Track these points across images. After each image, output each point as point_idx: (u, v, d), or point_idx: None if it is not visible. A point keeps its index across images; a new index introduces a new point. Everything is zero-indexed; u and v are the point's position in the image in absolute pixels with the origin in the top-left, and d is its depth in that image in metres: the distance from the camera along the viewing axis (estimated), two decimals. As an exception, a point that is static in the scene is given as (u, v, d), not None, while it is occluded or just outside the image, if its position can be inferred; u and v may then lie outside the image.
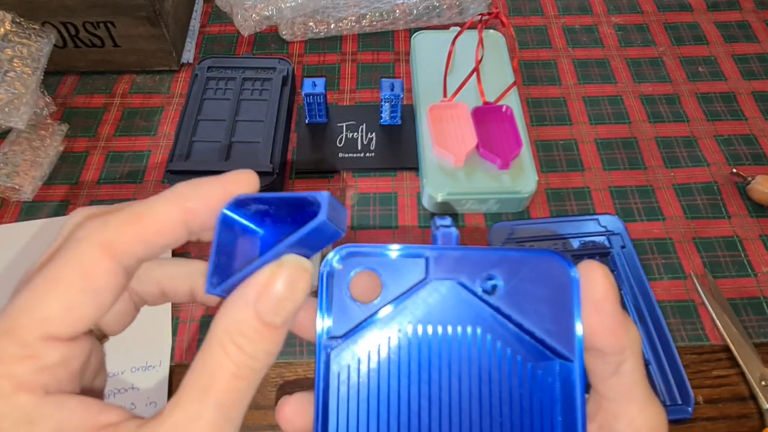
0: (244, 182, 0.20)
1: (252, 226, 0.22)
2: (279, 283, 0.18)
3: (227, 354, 0.17)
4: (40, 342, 0.17)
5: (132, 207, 0.18)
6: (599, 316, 0.20)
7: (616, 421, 0.21)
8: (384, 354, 0.21)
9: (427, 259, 0.21)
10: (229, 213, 0.20)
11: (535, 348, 0.21)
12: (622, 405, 0.20)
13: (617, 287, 0.21)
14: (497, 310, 0.21)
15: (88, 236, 0.17)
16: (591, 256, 0.48)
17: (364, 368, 0.21)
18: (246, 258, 0.21)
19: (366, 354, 0.21)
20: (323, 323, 0.21)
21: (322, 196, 0.19)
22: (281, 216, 0.21)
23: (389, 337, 0.21)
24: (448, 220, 0.23)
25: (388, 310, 0.21)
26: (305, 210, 0.20)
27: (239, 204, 0.20)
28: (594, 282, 0.20)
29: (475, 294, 0.21)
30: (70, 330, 0.17)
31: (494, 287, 0.21)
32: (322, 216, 0.19)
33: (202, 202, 0.19)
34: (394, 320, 0.21)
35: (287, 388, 0.44)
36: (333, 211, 0.19)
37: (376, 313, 0.21)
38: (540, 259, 0.21)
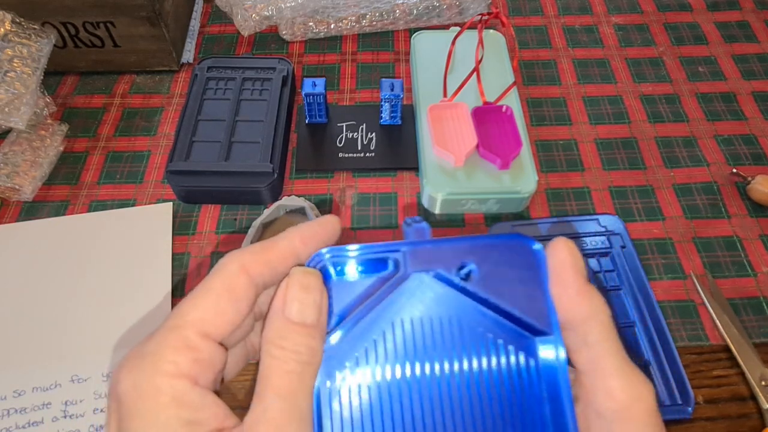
0: (332, 226, 0.24)
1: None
2: (293, 288, 0.21)
3: (273, 356, 0.20)
4: (198, 338, 0.20)
5: (263, 242, 0.23)
6: (561, 286, 0.21)
7: (594, 395, 0.21)
8: (372, 351, 0.21)
9: (404, 254, 0.22)
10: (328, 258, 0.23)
11: (515, 330, 0.21)
12: (598, 378, 0.21)
13: (581, 259, 0.21)
14: (475, 295, 0.22)
15: (231, 260, 0.23)
16: (591, 256, 0.48)
17: (354, 366, 0.21)
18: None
19: (354, 357, 0.21)
20: None
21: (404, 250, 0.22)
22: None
23: (375, 338, 0.21)
24: (418, 218, 0.24)
25: (371, 309, 0.22)
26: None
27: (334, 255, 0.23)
28: (556, 255, 0.21)
29: (452, 283, 0.22)
30: (220, 330, 0.21)
31: (469, 274, 0.22)
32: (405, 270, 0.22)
33: (309, 239, 0.24)
34: (379, 318, 0.21)
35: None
36: (414, 259, 0.22)
37: (359, 313, 0.22)
38: (508, 242, 0.22)
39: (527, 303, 0.21)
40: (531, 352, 0.21)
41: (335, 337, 0.21)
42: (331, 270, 0.22)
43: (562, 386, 0.21)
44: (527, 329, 0.21)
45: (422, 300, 0.22)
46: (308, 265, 0.22)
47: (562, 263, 0.21)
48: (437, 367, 0.21)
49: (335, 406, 0.21)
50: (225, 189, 0.51)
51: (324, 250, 0.22)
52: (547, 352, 0.21)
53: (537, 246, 0.22)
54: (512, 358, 0.21)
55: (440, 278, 0.22)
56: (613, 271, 0.47)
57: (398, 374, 0.21)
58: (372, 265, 0.22)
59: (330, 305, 0.22)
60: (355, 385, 0.21)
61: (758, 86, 0.62)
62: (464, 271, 0.22)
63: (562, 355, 0.21)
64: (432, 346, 0.21)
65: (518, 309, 0.21)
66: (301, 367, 0.20)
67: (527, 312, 0.21)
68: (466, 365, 0.21)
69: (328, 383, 0.21)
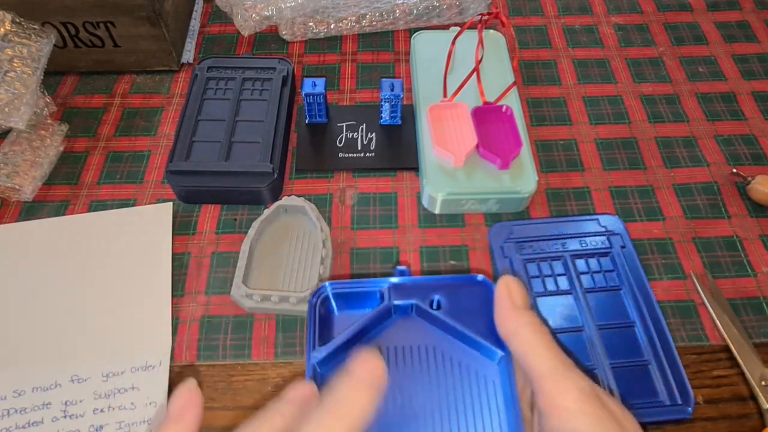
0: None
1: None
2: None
3: None
4: None
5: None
6: (496, 313, 0.27)
7: (538, 400, 0.25)
8: None
9: (388, 289, 0.28)
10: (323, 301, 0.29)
11: (475, 352, 0.28)
12: (535, 382, 0.25)
13: (518, 290, 0.27)
14: (443, 322, 0.28)
15: None
16: (591, 256, 0.48)
17: None
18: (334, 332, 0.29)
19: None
20: (313, 347, 0.27)
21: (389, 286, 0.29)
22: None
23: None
24: (402, 267, 0.31)
25: (362, 333, 0.27)
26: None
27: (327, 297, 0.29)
28: (496, 290, 0.27)
29: (427, 310, 0.28)
30: None
31: (439, 304, 0.29)
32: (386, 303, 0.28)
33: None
34: (369, 342, 0.27)
35: (287, 388, 0.44)
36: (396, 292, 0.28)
37: (353, 334, 0.27)
38: (470, 282, 0.29)
39: (485, 330, 0.27)
40: (490, 369, 0.27)
41: (331, 354, 0.26)
42: (332, 298, 0.29)
43: (509, 395, 0.26)
44: (485, 351, 0.27)
45: (403, 331, 0.28)
46: (314, 295, 0.29)
47: (499, 296, 0.27)
48: (414, 382, 0.26)
49: None
50: (225, 189, 0.51)
51: (327, 284, 0.29)
52: (502, 368, 0.27)
53: (480, 278, 0.29)
54: (473, 375, 0.27)
55: (416, 309, 0.28)
56: (613, 271, 0.47)
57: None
58: (364, 297, 0.29)
59: (331, 328, 0.28)
60: None
61: (758, 86, 0.62)
62: (435, 302, 0.29)
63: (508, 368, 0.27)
64: (410, 366, 0.27)
65: (478, 334, 0.27)
66: None
67: (485, 337, 0.27)
68: (439, 380, 0.27)
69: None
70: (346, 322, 0.28)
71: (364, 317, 0.27)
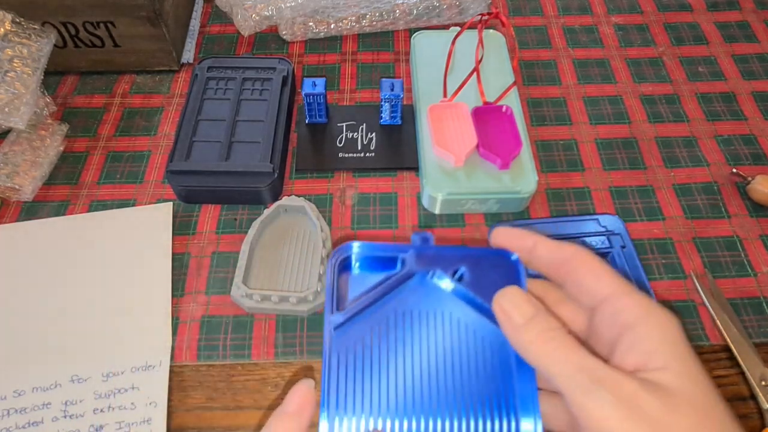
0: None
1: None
2: None
3: None
4: None
5: None
6: (504, 332, 0.25)
7: (572, 411, 0.22)
8: (379, 334, 0.26)
9: (410, 255, 0.27)
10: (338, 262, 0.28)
11: (495, 327, 0.26)
12: (564, 397, 0.22)
13: (516, 303, 0.25)
14: (465, 294, 0.27)
15: None
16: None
17: (362, 348, 0.26)
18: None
19: (364, 336, 0.26)
20: (331, 311, 0.26)
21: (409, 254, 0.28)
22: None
23: (381, 321, 0.26)
24: (424, 233, 0.29)
25: (380, 296, 0.27)
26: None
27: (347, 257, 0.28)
28: (495, 311, 0.26)
29: (449, 280, 0.27)
30: None
31: (461, 276, 0.27)
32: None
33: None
34: (387, 307, 0.27)
35: (288, 388, 0.44)
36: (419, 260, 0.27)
37: (372, 301, 0.27)
38: (493, 254, 0.28)
39: None
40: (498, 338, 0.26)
41: (349, 317, 0.26)
42: (353, 260, 0.28)
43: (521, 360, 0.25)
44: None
45: (423, 296, 0.27)
46: (334, 254, 0.28)
47: (498, 319, 0.25)
48: (428, 348, 0.26)
49: (341, 373, 0.25)
50: (225, 189, 0.51)
51: (352, 243, 0.28)
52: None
53: (514, 257, 0.28)
54: (488, 345, 0.26)
55: (438, 277, 0.27)
56: (613, 271, 0.47)
57: (397, 350, 0.26)
58: (384, 261, 0.28)
59: (348, 289, 0.28)
60: (359, 357, 0.25)
61: (758, 86, 0.62)
62: (458, 274, 0.27)
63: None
64: (426, 332, 0.26)
65: None
66: None
67: None
68: (450, 347, 0.26)
69: (339, 353, 0.25)
70: (362, 283, 0.28)
71: (385, 284, 0.27)
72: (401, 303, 0.27)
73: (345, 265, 0.28)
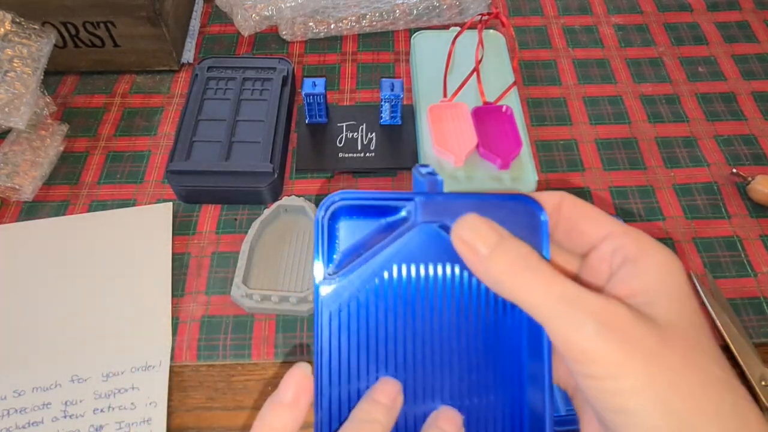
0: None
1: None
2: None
3: None
4: None
5: None
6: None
7: (558, 351, 0.21)
8: (375, 292, 0.23)
9: (416, 204, 0.23)
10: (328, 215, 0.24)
11: None
12: (546, 330, 0.21)
13: (478, 232, 0.22)
14: None
15: None
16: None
17: (356, 306, 0.23)
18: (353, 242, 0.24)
19: (358, 293, 0.23)
20: (320, 267, 0.23)
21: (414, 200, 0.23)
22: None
23: (379, 277, 0.23)
24: (430, 168, 0.24)
25: (377, 252, 0.23)
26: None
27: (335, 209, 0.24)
28: (455, 247, 0.22)
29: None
30: None
31: None
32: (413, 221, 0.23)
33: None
34: (385, 261, 0.23)
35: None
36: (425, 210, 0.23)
37: (368, 255, 0.23)
38: (514, 202, 0.23)
39: None
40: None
41: (341, 275, 0.23)
42: (344, 211, 0.23)
43: (543, 335, 0.22)
44: None
45: (424, 248, 0.23)
46: (322, 206, 0.23)
47: (460, 254, 0.22)
48: (430, 306, 0.23)
49: (335, 336, 0.23)
50: (225, 189, 0.51)
51: (337, 196, 0.23)
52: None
53: (543, 216, 0.23)
54: (499, 300, 0.23)
55: (446, 230, 0.23)
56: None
57: (395, 311, 0.23)
58: (382, 212, 0.24)
59: (339, 245, 0.23)
60: (354, 318, 0.23)
61: (758, 86, 0.62)
62: None
63: None
64: (427, 288, 0.23)
65: None
66: None
67: None
68: (456, 305, 0.23)
69: (332, 315, 0.23)
70: (356, 233, 0.23)
71: (383, 238, 0.23)
72: (402, 257, 0.23)
73: (336, 216, 0.23)
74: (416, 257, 0.23)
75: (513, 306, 0.22)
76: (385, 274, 0.23)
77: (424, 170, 0.24)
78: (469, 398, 0.23)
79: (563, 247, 0.25)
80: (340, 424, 0.22)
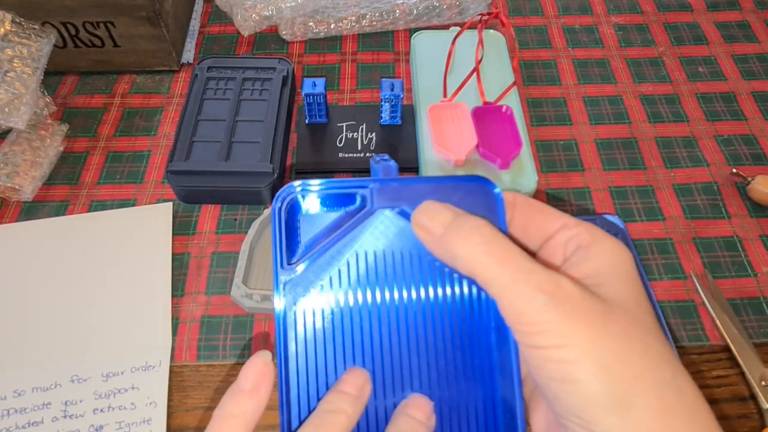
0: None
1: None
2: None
3: None
4: None
5: None
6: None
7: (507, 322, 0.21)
8: (338, 281, 0.23)
9: (371, 191, 0.23)
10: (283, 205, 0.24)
11: None
12: (498, 303, 0.21)
13: (432, 214, 0.23)
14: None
15: None
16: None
17: (318, 296, 0.23)
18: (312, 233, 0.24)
19: (321, 282, 0.23)
20: (279, 258, 0.23)
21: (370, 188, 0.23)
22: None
23: (342, 265, 0.23)
24: (386, 156, 0.25)
25: (337, 241, 0.23)
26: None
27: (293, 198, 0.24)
28: (415, 230, 0.23)
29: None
30: None
31: None
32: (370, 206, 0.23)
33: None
34: (346, 248, 0.23)
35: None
36: (381, 194, 0.23)
37: (327, 243, 0.23)
38: (469, 184, 0.23)
39: None
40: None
41: (302, 266, 0.23)
42: (301, 202, 0.23)
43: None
44: None
45: (385, 234, 0.23)
46: (278, 197, 0.23)
47: (419, 237, 0.23)
48: (396, 294, 0.23)
49: (300, 329, 0.22)
50: (225, 189, 0.51)
51: (295, 183, 0.23)
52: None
53: (497, 190, 0.23)
54: (465, 289, 0.23)
55: (403, 215, 0.23)
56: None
57: (360, 300, 0.23)
58: (339, 200, 0.23)
59: (298, 236, 0.23)
60: (319, 310, 0.22)
61: (758, 86, 0.62)
62: None
63: None
64: (392, 275, 0.23)
65: None
66: None
67: None
68: (422, 294, 0.23)
69: (295, 308, 0.22)
70: (314, 225, 0.23)
71: (342, 226, 0.23)
72: (364, 244, 0.23)
73: (293, 208, 0.23)
74: (378, 244, 0.23)
75: (480, 293, 0.23)
76: (347, 262, 0.23)
77: (378, 158, 0.25)
78: (439, 388, 0.23)
79: (519, 243, 0.25)
80: None
